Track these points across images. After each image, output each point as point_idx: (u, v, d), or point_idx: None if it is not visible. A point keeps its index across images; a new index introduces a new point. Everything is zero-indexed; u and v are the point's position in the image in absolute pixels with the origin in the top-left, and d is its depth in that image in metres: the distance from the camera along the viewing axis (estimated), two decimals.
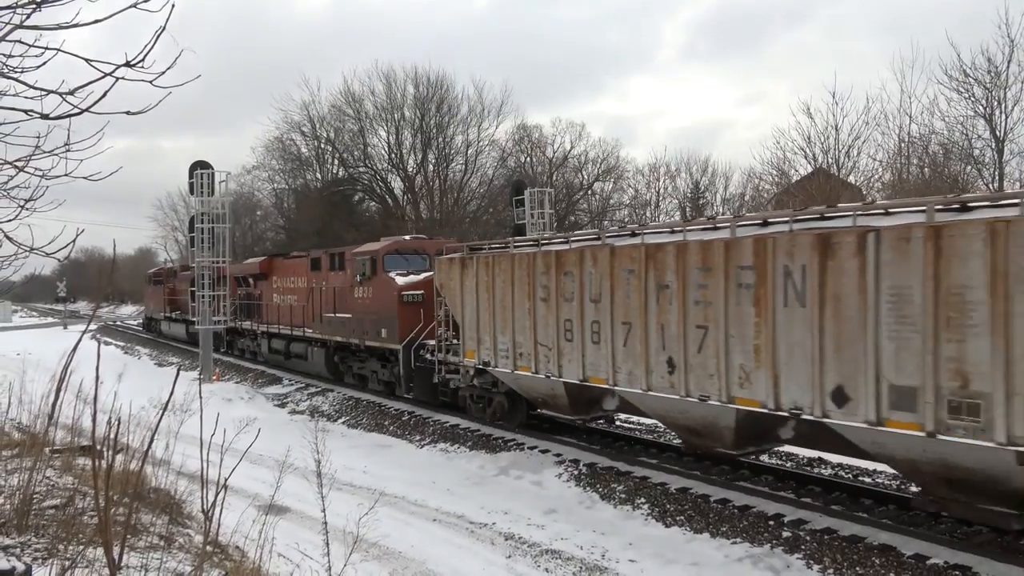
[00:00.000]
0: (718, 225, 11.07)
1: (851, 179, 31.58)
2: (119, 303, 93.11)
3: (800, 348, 9.54)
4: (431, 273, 18.00)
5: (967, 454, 8.23)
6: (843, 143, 30.80)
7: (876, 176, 31.34)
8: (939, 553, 8.71)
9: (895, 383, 8.57)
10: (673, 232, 11.61)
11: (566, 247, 13.46)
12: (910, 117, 28.69)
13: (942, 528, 9.70)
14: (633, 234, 12.48)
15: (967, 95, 25.89)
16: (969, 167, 26.38)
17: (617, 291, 12.21)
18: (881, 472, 12.13)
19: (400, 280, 19.27)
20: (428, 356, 17.97)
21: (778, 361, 9.82)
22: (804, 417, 9.71)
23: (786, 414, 9.93)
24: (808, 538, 9.65)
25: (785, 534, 9.87)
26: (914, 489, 10.59)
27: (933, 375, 8.19)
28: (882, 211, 9.24)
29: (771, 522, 10.22)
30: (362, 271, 20.54)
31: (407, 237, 22.38)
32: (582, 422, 15.34)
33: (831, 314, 9.20)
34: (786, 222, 10.02)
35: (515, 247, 14.94)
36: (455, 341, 16.82)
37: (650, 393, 11.79)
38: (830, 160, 31.14)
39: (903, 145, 29.33)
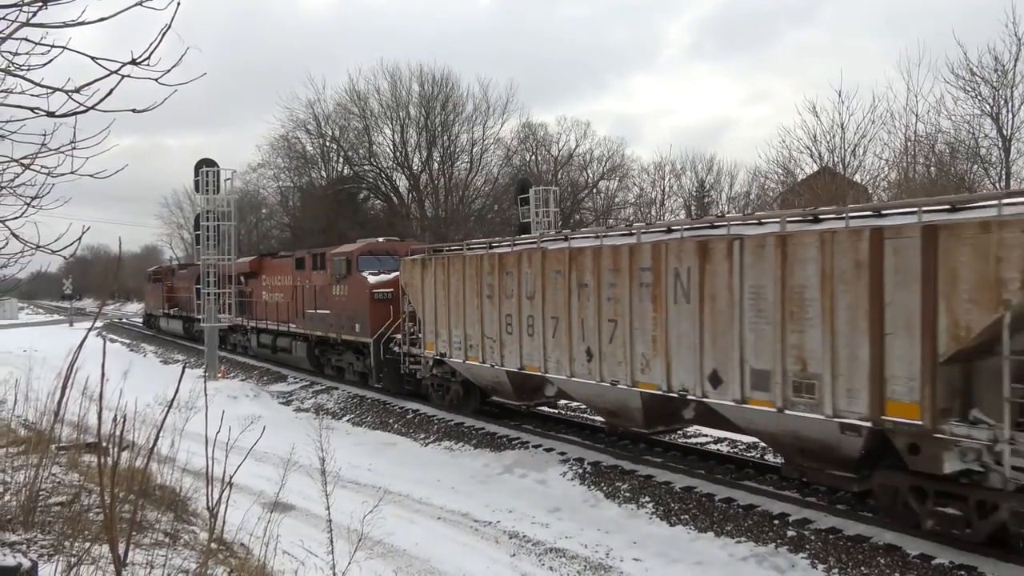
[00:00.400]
0: (631, 232, 12.74)
1: (857, 178, 31.52)
2: (125, 300, 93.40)
3: (686, 338, 11.14)
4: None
5: (809, 426, 9.74)
6: (849, 142, 30.76)
7: (882, 175, 31.30)
8: (944, 553, 8.70)
9: (755, 367, 10.17)
10: (597, 237, 13.17)
11: (509, 250, 14.99)
12: (916, 116, 28.65)
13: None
14: (566, 239, 13.89)
15: (974, 94, 25.82)
16: (976, 166, 26.29)
17: (547, 289, 13.80)
18: None
19: (372, 279, 20.70)
20: (395, 349, 19.44)
21: (670, 350, 11.43)
22: (689, 398, 11.31)
23: (676, 395, 11.42)
24: (813, 537, 9.63)
25: (790, 533, 9.85)
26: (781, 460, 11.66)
27: (781, 360, 9.79)
28: (756, 221, 10.76)
29: (776, 521, 10.20)
30: (339, 271, 22.06)
31: (380, 239, 23.74)
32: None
33: (708, 309, 10.78)
34: (686, 228, 11.62)
35: (468, 249, 16.47)
36: (418, 335, 18.18)
37: (573, 379, 13.40)
38: (836, 159, 31.09)
39: (909, 144, 29.27)
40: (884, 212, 9.51)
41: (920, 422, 8.49)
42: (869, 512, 10.27)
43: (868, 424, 9.01)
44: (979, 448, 8.15)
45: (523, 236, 17.54)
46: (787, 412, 9.81)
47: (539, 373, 14.21)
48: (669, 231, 11.83)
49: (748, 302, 10.24)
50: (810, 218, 10.01)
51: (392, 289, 20.07)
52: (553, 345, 13.73)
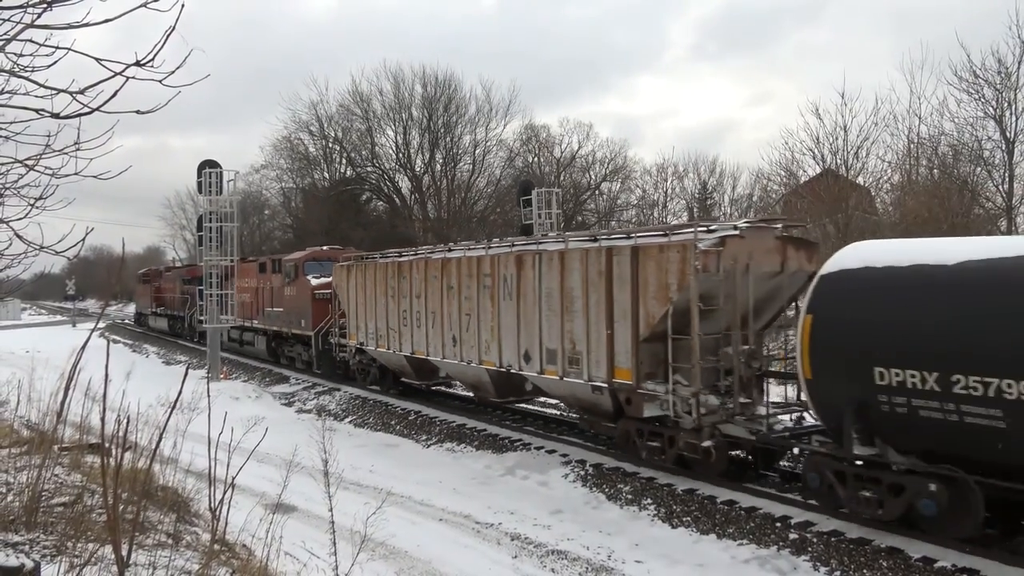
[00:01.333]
0: (488, 246, 16.54)
1: (860, 180, 31.43)
2: (127, 301, 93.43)
3: (509, 327, 15.01)
4: None
5: (579, 389, 13.51)
6: (852, 144, 30.63)
7: (885, 177, 31.22)
8: (946, 556, 8.69)
9: (548, 347, 14.05)
10: (470, 249, 17.08)
11: (406, 259, 18.88)
12: (919, 118, 28.54)
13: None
14: (450, 249, 17.87)
15: (977, 96, 25.74)
16: (979, 168, 26.22)
17: (429, 290, 17.64)
18: None
19: (314, 281, 24.71)
20: (331, 340, 23.08)
21: (501, 336, 15.28)
22: (512, 372, 15.09)
23: (504, 370, 15.27)
24: (815, 540, 9.62)
25: (792, 536, 9.85)
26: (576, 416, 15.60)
27: (561, 342, 13.67)
28: (590, 237, 14.23)
29: (778, 524, 10.19)
30: (289, 274, 26.06)
31: (324, 248, 27.56)
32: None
33: (522, 305, 14.67)
34: (522, 244, 15.68)
35: (382, 258, 20.26)
36: (346, 328, 21.92)
37: (445, 360, 17.33)
38: (839, 161, 30.99)
39: (912, 146, 29.19)
40: (631, 235, 13.24)
41: (630, 382, 12.35)
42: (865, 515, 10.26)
43: (606, 385, 12.81)
44: (665, 400, 11.94)
45: (423, 247, 21.06)
46: (565, 379, 13.69)
47: (425, 357, 18.00)
48: (512, 246, 15.63)
49: (544, 300, 14.09)
50: (591, 238, 13.94)
51: (330, 290, 23.33)
52: (433, 334, 17.55)
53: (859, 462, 9.51)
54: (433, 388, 20.92)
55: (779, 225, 12.87)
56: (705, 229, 12.09)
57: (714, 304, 11.55)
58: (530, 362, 14.50)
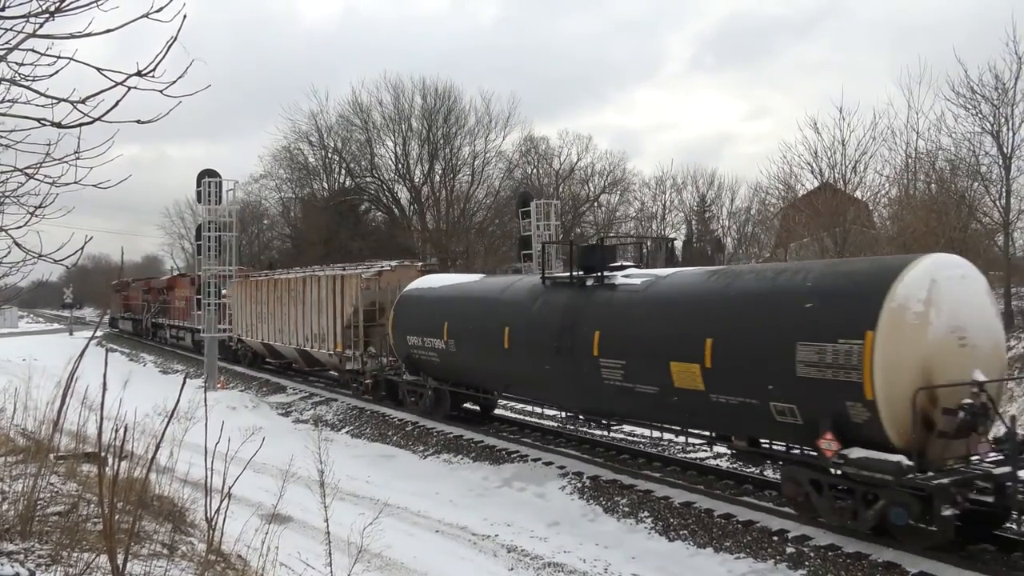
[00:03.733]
0: (300, 273, 27.56)
1: (858, 194, 31.55)
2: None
3: (300, 322, 25.11)
4: None
5: (325, 355, 24.09)
6: (850, 158, 30.78)
7: (883, 191, 31.33)
8: (944, 572, 8.65)
9: (314, 332, 24.36)
10: (287, 273, 28.41)
11: (263, 279, 28.93)
12: (917, 133, 28.67)
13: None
14: (290, 270, 28.89)
15: (974, 111, 25.84)
16: (976, 183, 26.31)
17: (271, 299, 27.63)
18: None
19: (223, 292, 31.73)
20: (249, 338, 31.04)
21: (298, 328, 25.40)
22: (303, 348, 25.28)
23: (297, 348, 25.91)
24: (812, 554, 9.60)
25: (789, 550, 9.82)
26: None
27: (318, 329, 24.00)
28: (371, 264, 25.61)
29: (775, 538, 10.17)
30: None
31: (240, 268, 35.07)
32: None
33: (304, 309, 24.92)
34: (315, 271, 26.85)
35: (254, 277, 30.39)
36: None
37: (277, 343, 27.48)
38: (837, 175, 31.11)
39: (910, 161, 29.31)
40: (345, 268, 23.15)
41: (340, 351, 22.57)
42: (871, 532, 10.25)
43: (334, 352, 22.90)
44: (355, 359, 22.26)
45: (283, 269, 32.72)
46: (320, 350, 24.23)
47: (269, 342, 28.02)
48: (304, 274, 26.54)
49: (312, 306, 24.46)
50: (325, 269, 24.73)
51: (226, 299, 30.93)
52: (271, 327, 27.67)
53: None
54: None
55: (420, 263, 25.28)
56: (378, 267, 23.38)
57: (374, 306, 22.24)
58: (308, 342, 25.10)
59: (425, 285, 19.41)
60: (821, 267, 11.04)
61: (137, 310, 50.49)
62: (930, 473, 8.71)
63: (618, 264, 14.33)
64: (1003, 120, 25.20)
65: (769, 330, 10.27)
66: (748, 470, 13.60)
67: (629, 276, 13.42)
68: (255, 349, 30.28)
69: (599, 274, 13.80)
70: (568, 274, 14.57)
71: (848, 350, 9.23)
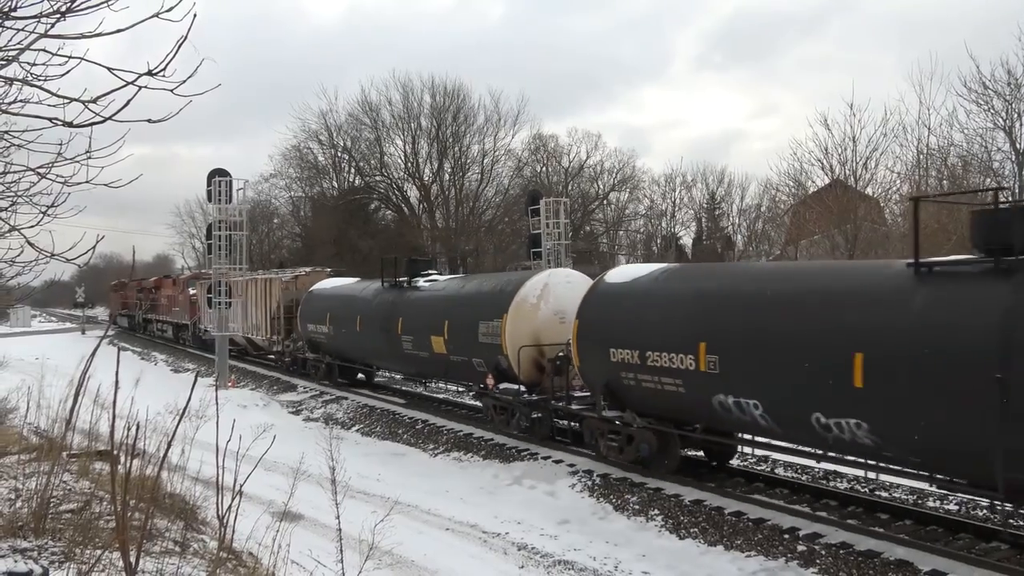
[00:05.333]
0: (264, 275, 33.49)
1: (868, 191, 31.38)
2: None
3: (248, 314, 31.16)
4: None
5: (263, 341, 31.06)
6: (861, 155, 30.58)
7: (894, 188, 31.15)
8: (957, 569, 8.63)
9: (255, 324, 31.05)
10: (257, 273, 34.23)
11: (242, 279, 31.40)
12: (928, 129, 28.48)
13: (960, 544, 9.59)
14: (242, 274, 31.11)
15: (986, 107, 25.70)
16: (988, 179, 26.14)
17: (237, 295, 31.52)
18: (898, 486, 12.02)
19: (191, 291, 39.32)
20: (199, 325, 37.47)
21: (247, 319, 31.32)
22: (248, 337, 32.03)
23: (248, 335, 32.04)
24: (823, 552, 9.57)
25: (800, 548, 9.79)
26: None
27: (256, 320, 30.94)
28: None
29: (786, 536, 10.14)
30: (180, 287, 42.00)
31: (202, 271, 42.03)
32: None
33: (249, 304, 31.17)
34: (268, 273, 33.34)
35: (236, 277, 32.32)
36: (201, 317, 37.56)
37: (238, 334, 31.51)
38: (847, 172, 30.94)
39: (921, 157, 29.12)
40: (277, 272, 31.86)
41: (271, 336, 29.44)
42: (880, 527, 10.21)
43: (267, 338, 29.62)
44: (279, 342, 28.96)
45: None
46: (257, 337, 31.09)
47: (239, 334, 32.07)
48: (269, 275, 31.99)
49: (252, 301, 30.66)
50: (277, 271, 31.07)
51: (196, 297, 37.84)
52: (243, 318, 31.55)
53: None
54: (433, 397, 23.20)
55: (330, 269, 31.77)
56: (294, 273, 30.52)
57: (292, 303, 27.80)
58: (250, 331, 31.31)
59: (320, 287, 26.56)
60: (493, 278, 19.32)
61: (132, 308, 56.99)
62: (536, 396, 15.88)
63: (428, 272, 21.38)
64: (1015, 115, 25.09)
65: (466, 314, 17.55)
66: (759, 468, 13.58)
67: (430, 282, 20.49)
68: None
69: (408, 280, 20.76)
70: (394, 280, 21.21)
71: (497, 324, 16.28)
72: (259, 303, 30.29)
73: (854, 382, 9.15)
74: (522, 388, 15.84)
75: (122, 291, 61.69)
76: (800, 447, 11.14)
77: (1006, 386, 7.79)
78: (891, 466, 9.96)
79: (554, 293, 16.19)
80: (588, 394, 14.48)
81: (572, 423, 15.21)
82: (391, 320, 20.14)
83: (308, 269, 31.42)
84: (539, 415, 15.83)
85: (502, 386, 16.20)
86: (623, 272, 14.32)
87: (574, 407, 14.77)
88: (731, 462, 13.68)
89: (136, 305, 54.98)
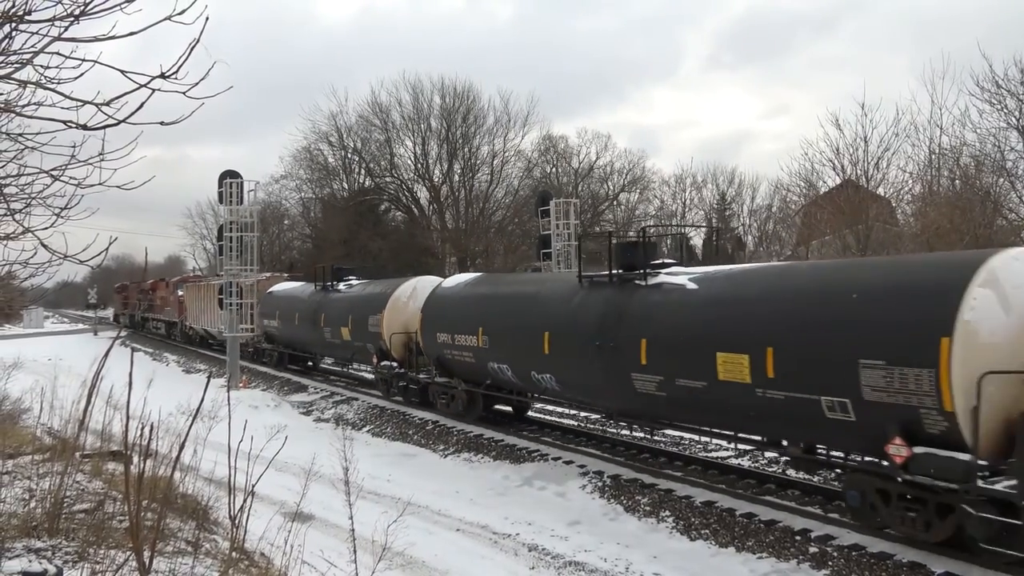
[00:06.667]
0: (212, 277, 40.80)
1: (880, 191, 31.21)
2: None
3: (210, 312, 37.06)
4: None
5: (215, 331, 37.64)
6: (872, 155, 30.40)
7: (906, 188, 30.97)
8: (970, 572, 8.56)
9: (211, 318, 36.60)
10: (215, 276, 37.43)
11: (201, 284, 40.06)
12: (940, 128, 28.27)
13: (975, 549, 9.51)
14: (212, 279, 37.65)
15: (999, 106, 25.49)
16: (1002, 179, 25.95)
17: (204, 297, 37.96)
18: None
19: (179, 292, 45.33)
20: (186, 324, 42.96)
21: (206, 315, 38.41)
22: (208, 330, 38.70)
23: (204, 329, 39.85)
24: (836, 554, 9.52)
25: (812, 550, 9.75)
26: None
27: (213, 316, 36.50)
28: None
29: (798, 537, 10.09)
30: (172, 289, 47.54)
31: (188, 274, 54.98)
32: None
33: (208, 302, 36.83)
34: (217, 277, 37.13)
35: (192, 283, 43.42)
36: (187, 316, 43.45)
37: (204, 327, 39.04)
38: (859, 172, 30.78)
39: (934, 157, 28.94)
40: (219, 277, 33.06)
41: (222, 327, 31.13)
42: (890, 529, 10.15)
43: (221, 329, 32.34)
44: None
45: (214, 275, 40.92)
46: (215, 328, 35.43)
47: (204, 327, 38.42)
48: (216, 279, 34.92)
49: (207, 301, 36.84)
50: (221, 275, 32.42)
51: (184, 298, 43.70)
52: (203, 316, 37.93)
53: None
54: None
55: (287, 274, 38.03)
56: (256, 276, 30.67)
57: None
58: (208, 326, 37.46)
59: (274, 289, 31.72)
60: (383, 283, 23.98)
61: (132, 308, 63.25)
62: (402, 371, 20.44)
63: (348, 278, 26.56)
64: None
65: (362, 310, 23.01)
66: (770, 470, 13.53)
67: (347, 286, 26.60)
68: (200, 333, 41.14)
69: (330, 284, 26.54)
70: (322, 283, 27.08)
71: (378, 318, 21.59)
72: None
73: (544, 351, 14.56)
74: (395, 364, 21.15)
75: (124, 292, 68.82)
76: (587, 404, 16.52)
77: (599, 347, 12.98)
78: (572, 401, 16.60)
79: (421, 293, 20.44)
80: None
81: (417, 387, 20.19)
82: (317, 315, 25.72)
83: (268, 274, 36.09)
84: (404, 383, 20.79)
85: (383, 364, 21.49)
86: (452, 280, 20.19)
87: (421, 376, 19.89)
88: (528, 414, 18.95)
89: (136, 305, 61.05)
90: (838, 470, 11.34)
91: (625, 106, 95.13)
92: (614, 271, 13.59)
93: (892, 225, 30.05)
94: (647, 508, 11.90)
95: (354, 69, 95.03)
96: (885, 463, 9.02)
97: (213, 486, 8.47)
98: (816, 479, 12.94)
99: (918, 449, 8.64)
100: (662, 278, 12.74)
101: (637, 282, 13.01)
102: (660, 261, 13.78)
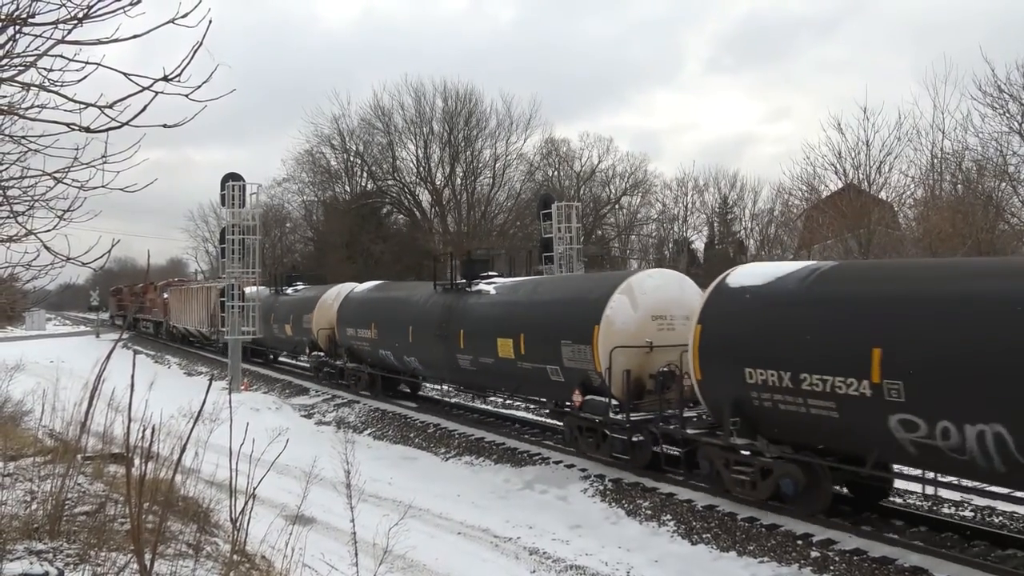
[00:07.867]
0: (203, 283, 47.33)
1: (882, 195, 31.20)
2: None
3: (195, 312, 41.95)
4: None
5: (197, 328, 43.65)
6: (874, 159, 30.40)
7: (908, 192, 30.96)
8: None
9: (200, 318, 41.22)
10: (206, 280, 50.88)
11: (184, 287, 47.27)
12: (943, 133, 28.26)
13: (975, 551, 9.52)
14: (192, 282, 52.04)
15: (1001, 111, 25.48)
16: (1004, 184, 25.94)
17: (187, 299, 43.94)
18: (912, 493, 11.93)
19: (165, 295, 49.60)
20: (170, 322, 47.45)
21: (191, 315, 43.14)
22: (198, 329, 42.22)
23: (193, 328, 43.85)
24: (837, 559, 9.51)
25: (813, 554, 9.73)
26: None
27: (200, 315, 41.50)
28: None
29: (799, 542, 10.08)
30: (160, 292, 51.19)
31: (175, 279, 57.91)
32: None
33: (195, 303, 42.01)
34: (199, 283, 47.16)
35: (180, 285, 50.36)
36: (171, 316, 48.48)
37: (187, 326, 44.31)
38: (861, 176, 30.77)
39: (936, 161, 28.93)
40: (215, 281, 39.18)
41: (211, 327, 38.60)
42: (894, 533, 10.14)
43: (207, 328, 40.02)
44: (216, 329, 36.67)
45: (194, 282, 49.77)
46: (200, 329, 41.35)
47: (187, 326, 43.64)
48: (195, 284, 47.79)
49: (195, 302, 41.72)
50: (213, 280, 38.12)
51: (168, 299, 48.86)
52: (187, 316, 43.15)
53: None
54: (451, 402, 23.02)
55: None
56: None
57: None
58: (196, 324, 40.65)
59: (248, 290, 34.29)
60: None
61: (126, 309, 67.12)
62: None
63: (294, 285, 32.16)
64: None
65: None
66: None
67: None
68: (182, 331, 45.66)
69: (282, 288, 32.02)
70: (276, 287, 32.67)
71: (309, 319, 26.41)
72: (202, 304, 40.68)
73: (409, 339, 19.84)
74: (322, 354, 23.73)
75: (119, 295, 74.14)
76: None
77: (439, 336, 18.06)
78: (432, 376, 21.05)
79: (342, 298, 23.49)
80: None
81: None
82: (267, 314, 30.32)
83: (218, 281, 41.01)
84: (328, 369, 23.46)
85: (314, 354, 24.06)
86: (360, 286, 23.83)
87: (338, 363, 23.81)
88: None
89: (129, 307, 65.58)
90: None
91: (627, 109, 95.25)
92: (455, 281, 18.53)
93: (894, 229, 30.04)
94: (648, 512, 11.90)
95: (356, 72, 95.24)
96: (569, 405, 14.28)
97: (214, 489, 8.46)
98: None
99: (588, 397, 13.79)
100: (480, 286, 17.67)
101: (465, 289, 18.06)
102: (488, 273, 18.49)
